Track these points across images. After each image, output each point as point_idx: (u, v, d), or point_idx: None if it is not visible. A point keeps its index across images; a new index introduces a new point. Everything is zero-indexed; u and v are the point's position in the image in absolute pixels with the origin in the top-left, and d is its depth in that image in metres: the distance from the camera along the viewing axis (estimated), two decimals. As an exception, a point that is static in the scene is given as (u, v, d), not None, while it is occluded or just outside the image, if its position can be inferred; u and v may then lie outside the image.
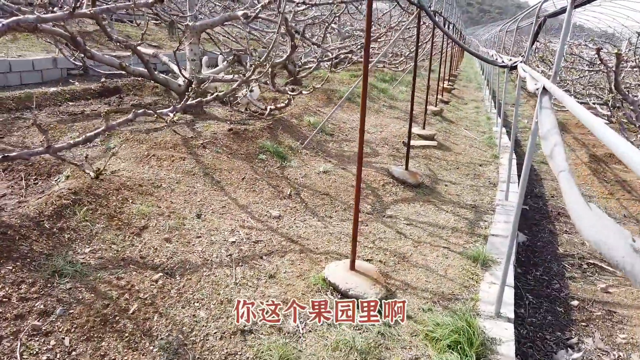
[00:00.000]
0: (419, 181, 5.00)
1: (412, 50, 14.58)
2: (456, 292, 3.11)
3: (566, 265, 4.30)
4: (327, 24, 8.55)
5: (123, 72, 5.39)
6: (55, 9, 5.38)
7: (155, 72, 5.53)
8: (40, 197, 3.15)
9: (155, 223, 3.18)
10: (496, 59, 5.72)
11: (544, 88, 2.14)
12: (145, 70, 5.39)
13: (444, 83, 12.15)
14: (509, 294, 3.09)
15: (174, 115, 3.00)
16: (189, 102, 3.54)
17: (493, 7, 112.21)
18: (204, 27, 5.76)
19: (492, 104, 11.98)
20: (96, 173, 2.99)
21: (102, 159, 4.05)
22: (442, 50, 11.71)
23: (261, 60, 3.91)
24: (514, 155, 7.02)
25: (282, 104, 5.33)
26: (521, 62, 4.52)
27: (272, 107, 5.40)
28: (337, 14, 8.20)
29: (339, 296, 2.81)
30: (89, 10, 3.48)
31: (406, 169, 5.11)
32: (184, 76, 5.01)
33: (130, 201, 3.33)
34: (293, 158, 5.08)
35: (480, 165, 6.39)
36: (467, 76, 21.21)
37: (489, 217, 4.59)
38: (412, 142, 6.56)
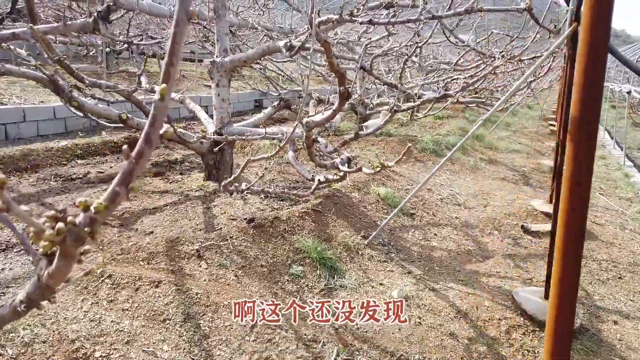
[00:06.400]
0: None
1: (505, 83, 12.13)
2: None
3: None
4: (406, 57, 6.65)
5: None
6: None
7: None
8: None
9: None
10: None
11: None
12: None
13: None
14: None
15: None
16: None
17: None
18: (235, 63, 4.15)
19: (621, 153, 9.21)
20: None
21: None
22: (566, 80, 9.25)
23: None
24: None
25: (336, 177, 3.48)
26: None
27: (321, 178, 3.55)
28: (420, 44, 6.27)
29: None
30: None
31: (546, 296, 2.94)
32: (188, 139, 3.36)
33: None
34: (349, 268, 3.12)
35: (655, 271, 3.97)
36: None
37: None
38: (537, 227, 4.33)
